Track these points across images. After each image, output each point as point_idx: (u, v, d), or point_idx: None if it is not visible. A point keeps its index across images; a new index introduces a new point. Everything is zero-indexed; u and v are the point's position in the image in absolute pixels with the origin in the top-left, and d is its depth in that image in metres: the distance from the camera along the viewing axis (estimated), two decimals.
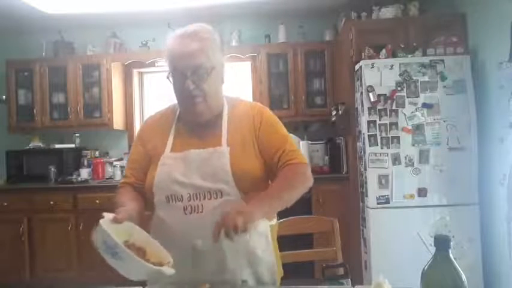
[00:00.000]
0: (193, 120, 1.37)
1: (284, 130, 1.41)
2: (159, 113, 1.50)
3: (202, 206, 1.27)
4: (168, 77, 1.33)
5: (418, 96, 3.02)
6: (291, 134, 1.46)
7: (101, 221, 1.10)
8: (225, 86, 1.41)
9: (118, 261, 1.06)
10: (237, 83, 4.25)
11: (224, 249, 1.26)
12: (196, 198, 1.28)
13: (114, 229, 1.11)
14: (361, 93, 3.12)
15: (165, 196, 1.31)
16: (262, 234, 1.36)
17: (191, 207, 1.27)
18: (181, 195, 1.28)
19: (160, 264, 1.11)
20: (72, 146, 4.31)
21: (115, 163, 4.20)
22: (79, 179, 4.05)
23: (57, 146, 4.25)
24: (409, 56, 3.10)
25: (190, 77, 1.28)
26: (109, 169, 4.19)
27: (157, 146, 1.38)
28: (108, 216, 1.15)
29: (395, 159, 3.02)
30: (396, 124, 3.03)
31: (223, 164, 1.29)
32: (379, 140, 3.04)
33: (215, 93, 1.35)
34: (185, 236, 1.26)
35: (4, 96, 4.31)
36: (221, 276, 1.28)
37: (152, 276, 1.11)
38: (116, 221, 1.14)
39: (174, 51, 1.31)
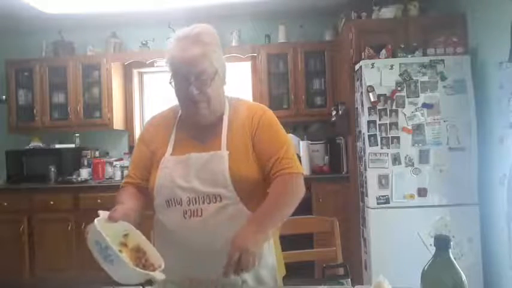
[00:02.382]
0: (196, 123, 1.36)
1: (282, 135, 1.38)
2: (160, 114, 1.49)
3: (201, 210, 1.26)
4: (170, 82, 1.32)
5: (418, 96, 3.02)
6: (291, 134, 1.45)
7: (96, 220, 1.08)
8: (226, 86, 1.40)
9: (109, 265, 1.03)
10: (237, 83, 4.25)
11: (224, 253, 1.27)
12: (196, 203, 1.27)
13: (109, 228, 1.08)
14: (361, 93, 3.12)
15: (165, 200, 1.30)
16: None
17: (190, 211, 1.27)
18: (181, 199, 1.28)
19: (153, 268, 1.09)
20: (72, 146, 4.31)
21: (115, 163, 4.20)
22: (79, 179, 4.06)
23: (57, 146, 4.25)
24: (409, 56, 3.10)
25: (194, 82, 1.26)
26: (109, 169, 4.19)
27: (158, 147, 1.37)
28: (104, 214, 1.13)
29: (395, 159, 3.02)
30: (396, 124, 3.03)
31: (222, 169, 1.28)
32: (379, 140, 3.04)
33: (218, 96, 1.34)
34: (185, 240, 1.26)
35: (4, 96, 4.31)
36: (222, 279, 1.27)
37: (142, 281, 1.09)
38: (111, 219, 1.14)
39: (176, 56, 1.29)
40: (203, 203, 1.27)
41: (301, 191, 1.32)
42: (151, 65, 4.36)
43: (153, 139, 1.41)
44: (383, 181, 3.02)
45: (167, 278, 1.30)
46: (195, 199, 1.27)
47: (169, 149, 1.35)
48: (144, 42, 4.27)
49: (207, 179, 1.28)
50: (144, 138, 1.44)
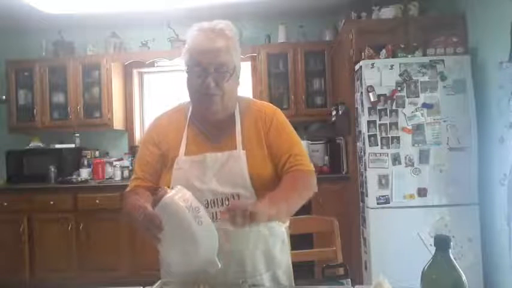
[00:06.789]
0: (206, 118, 1.33)
1: (294, 134, 1.38)
2: (167, 114, 1.43)
3: (220, 212, 1.22)
4: (186, 71, 1.30)
5: (418, 96, 3.02)
6: None
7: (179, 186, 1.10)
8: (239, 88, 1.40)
9: (198, 225, 1.03)
10: None
11: (242, 253, 1.26)
12: (215, 205, 1.24)
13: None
14: (361, 93, 3.12)
15: None
16: (279, 238, 1.35)
17: (209, 214, 1.22)
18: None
19: None
20: (72, 146, 4.31)
21: (115, 163, 4.20)
22: (79, 179, 4.05)
23: (57, 146, 4.25)
24: (409, 56, 3.10)
25: (213, 74, 1.25)
26: (109, 169, 4.19)
27: (170, 148, 1.33)
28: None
29: (395, 159, 3.02)
30: (396, 124, 3.03)
31: (240, 169, 1.26)
32: (379, 140, 3.04)
33: (232, 93, 1.33)
34: None
35: (4, 96, 4.30)
36: (241, 279, 1.27)
37: (215, 253, 1.08)
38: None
39: (199, 45, 1.26)
40: (222, 205, 1.24)
41: (312, 188, 1.32)
42: (152, 65, 4.36)
43: (163, 139, 1.36)
44: (383, 181, 3.02)
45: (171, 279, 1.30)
46: (214, 201, 1.25)
47: (183, 149, 1.31)
48: (144, 42, 4.27)
49: (225, 179, 1.26)
50: (153, 138, 1.37)
